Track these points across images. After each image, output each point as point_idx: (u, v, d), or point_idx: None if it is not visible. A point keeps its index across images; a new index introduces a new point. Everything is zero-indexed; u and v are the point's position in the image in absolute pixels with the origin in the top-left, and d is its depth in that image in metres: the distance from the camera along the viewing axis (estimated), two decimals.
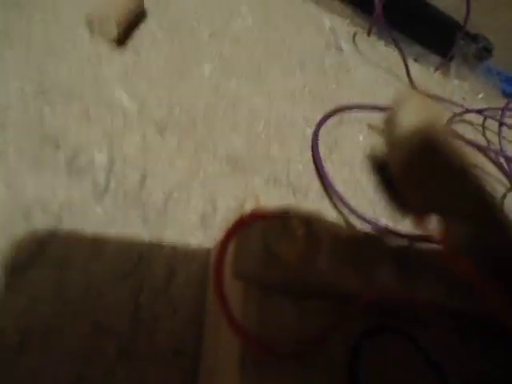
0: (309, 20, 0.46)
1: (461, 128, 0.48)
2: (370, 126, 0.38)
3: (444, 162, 0.12)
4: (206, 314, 0.18)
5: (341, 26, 0.51)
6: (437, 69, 0.60)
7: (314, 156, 0.30)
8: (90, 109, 0.22)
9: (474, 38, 0.75)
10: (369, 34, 0.53)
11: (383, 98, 0.43)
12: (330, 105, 0.36)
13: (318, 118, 0.34)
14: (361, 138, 0.36)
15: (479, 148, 0.43)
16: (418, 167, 0.13)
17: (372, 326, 0.16)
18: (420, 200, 0.13)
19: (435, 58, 0.66)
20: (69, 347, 0.15)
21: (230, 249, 0.15)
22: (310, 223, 0.15)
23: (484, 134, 0.52)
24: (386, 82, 0.46)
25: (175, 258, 0.20)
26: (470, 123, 0.52)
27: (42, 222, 0.17)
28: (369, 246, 0.16)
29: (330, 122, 0.35)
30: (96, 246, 0.18)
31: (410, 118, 0.11)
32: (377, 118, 0.39)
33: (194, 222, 0.22)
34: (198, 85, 0.28)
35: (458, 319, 0.16)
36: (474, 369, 0.16)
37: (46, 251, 0.17)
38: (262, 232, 0.14)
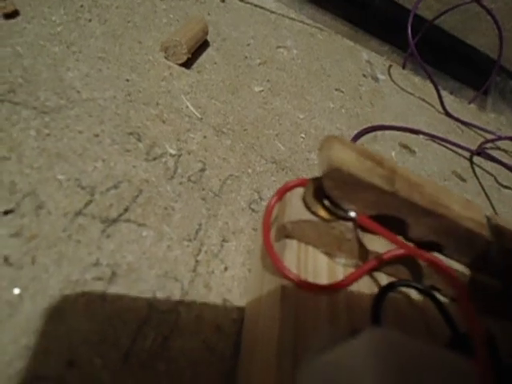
0: (347, 54, 0.51)
1: (494, 154, 0.50)
2: (402, 144, 0.41)
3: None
4: (252, 274, 0.22)
5: (377, 59, 0.56)
6: (471, 101, 0.62)
7: None
8: (163, 113, 0.28)
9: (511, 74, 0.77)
10: (403, 67, 0.58)
11: (415, 122, 0.47)
12: (364, 124, 0.40)
13: (354, 133, 0.38)
14: (393, 154, 0.39)
15: None
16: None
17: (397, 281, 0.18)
18: None
19: (472, 93, 0.68)
20: (146, 284, 0.19)
21: (276, 209, 0.19)
22: None
23: None
24: (418, 109, 0.50)
25: (227, 230, 0.24)
26: (505, 151, 0.54)
27: (128, 191, 0.22)
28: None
29: (364, 138, 0.39)
30: (166, 214, 0.22)
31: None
32: (409, 138, 0.43)
33: (242, 206, 0.26)
34: (249, 100, 0.34)
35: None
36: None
37: (129, 210, 0.21)
38: (303, 193, 0.18)
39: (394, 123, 0.44)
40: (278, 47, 0.43)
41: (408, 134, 0.43)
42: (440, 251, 0.19)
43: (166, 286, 0.20)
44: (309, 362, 0.13)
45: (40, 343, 0.16)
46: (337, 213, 0.17)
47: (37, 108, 0.23)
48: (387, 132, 0.42)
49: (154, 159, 0.25)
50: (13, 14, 0.27)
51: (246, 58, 0.38)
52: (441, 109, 0.53)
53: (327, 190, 0.16)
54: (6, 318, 0.16)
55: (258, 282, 0.20)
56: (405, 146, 0.41)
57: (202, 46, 0.35)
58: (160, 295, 0.19)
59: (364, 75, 0.49)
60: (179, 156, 0.26)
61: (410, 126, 0.44)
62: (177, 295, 0.20)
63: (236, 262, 0.22)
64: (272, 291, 0.17)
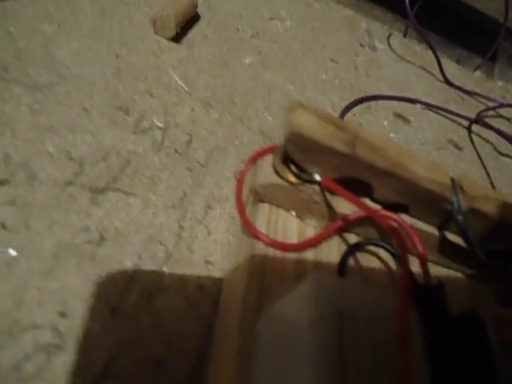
0: (345, 23, 0.51)
1: (495, 122, 0.49)
2: (396, 114, 0.41)
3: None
4: (234, 238, 0.23)
5: (377, 28, 0.55)
6: (476, 68, 0.61)
7: None
8: (152, 88, 0.29)
9: None
10: (405, 35, 0.56)
11: (413, 92, 0.46)
12: (358, 95, 0.40)
13: (345, 104, 0.38)
14: (385, 124, 0.39)
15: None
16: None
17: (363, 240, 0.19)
18: None
19: (479, 61, 0.66)
20: (132, 247, 0.21)
21: (250, 173, 0.20)
22: None
23: None
24: (417, 79, 0.49)
25: (212, 198, 0.25)
26: (507, 119, 0.53)
27: (116, 162, 0.23)
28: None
29: (357, 109, 0.39)
30: (153, 184, 0.24)
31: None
32: (404, 107, 0.43)
33: (228, 175, 0.27)
34: (239, 73, 0.34)
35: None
36: None
37: (117, 180, 0.23)
38: (272, 158, 0.19)
39: (389, 93, 0.43)
40: (272, 19, 0.43)
41: (404, 104, 0.43)
42: (407, 212, 0.20)
43: (150, 249, 0.21)
44: (267, 311, 0.15)
45: (35, 297, 0.18)
46: (303, 176, 0.18)
47: (28, 85, 0.24)
48: (382, 102, 0.42)
49: (142, 132, 0.26)
50: None
51: (238, 30, 0.39)
52: (441, 77, 0.52)
53: (290, 154, 0.17)
54: (4, 275, 0.18)
55: (237, 245, 0.21)
56: (399, 116, 0.41)
57: (192, 19, 0.35)
58: (145, 257, 0.21)
59: (361, 45, 0.48)
60: (166, 129, 0.27)
61: (406, 95, 0.44)
62: (161, 257, 0.21)
63: (219, 227, 0.24)
64: (245, 251, 0.19)
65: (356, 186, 0.19)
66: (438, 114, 0.46)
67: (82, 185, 0.22)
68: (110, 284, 0.19)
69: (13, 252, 0.18)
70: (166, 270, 0.21)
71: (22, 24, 0.28)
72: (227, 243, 0.23)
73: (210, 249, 0.23)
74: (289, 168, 0.18)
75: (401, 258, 0.14)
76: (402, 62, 0.51)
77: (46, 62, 0.26)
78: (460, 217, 0.18)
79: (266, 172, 0.19)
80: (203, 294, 0.21)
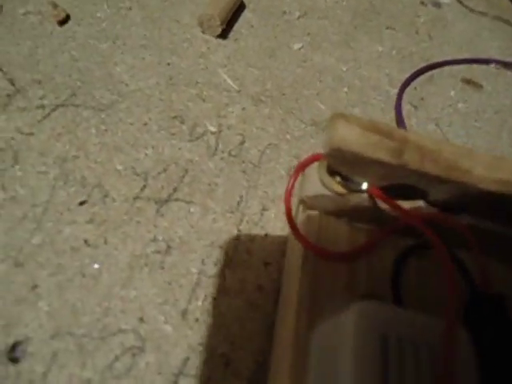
0: None
1: None
2: (465, 80, 0.37)
3: None
4: (288, 240, 0.24)
5: None
6: None
7: (396, 113, 0.32)
8: (203, 91, 0.30)
9: None
10: None
11: (486, 50, 0.42)
12: (419, 64, 0.37)
13: (405, 77, 0.35)
14: (452, 93, 0.36)
15: None
16: None
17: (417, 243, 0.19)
18: None
19: None
20: (195, 253, 0.23)
21: (298, 183, 0.21)
22: None
23: None
24: (491, 33, 0.44)
25: (267, 198, 0.26)
26: None
27: (175, 172, 0.25)
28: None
29: (418, 80, 0.36)
30: (210, 190, 0.25)
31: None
32: (475, 71, 0.39)
33: (281, 173, 0.27)
34: (287, 61, 0.33)
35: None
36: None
37: (177, 190, 0.24)
38: (317, 170, 0.19)
39: (457, 56, 0.39)
40: None
41: (474, 67, 0.39)
42: (469, 213, 0.19)
43: (212, 254, 0.23)
44: (317, 328, 0.16)
45: (118, 305, 0.21)
46: (350, 186, 0.18)
47: (94, 107, 0.27)
48: (447, 68, 0.38)
49: (197, 139, 0.27)
50: (65, 20, 0.30)
51: (285, 13, 0.37)
52: None
53: (334, 167, 0.17)
54: (91, 287, 0.21)
55: (290, 249, 0.22)
56: (468, 82, 0.37)
57: (237, 10, 0.35)
58: (208, 262, 0.23)
59: (422, 3, 0.44)
60: (219, 132, 0.28)
61: (476, 56, 0.40)
62: (222, 261, 0.23)
63: (276, 227, 0.25)
64: (296, 260, 0.19)
65: (408, 190, 0.18)
66: None
67: (148, 198, 0.24)
68: (179, 290, 0.21)
69: (96, 265, 0.21)
70: (227, 273, 0.23)
71: (82, 45, 0.30)
72: (283, 243, 0.24)
73: (267, 250, 0.24)
74: (334, 179, 0.18)
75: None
76: (472, 15, 0.45)
77: (106, 82, 0.28)
78: None
79: (313, 182, 0.19)
80: (262, 294, 0.22)
